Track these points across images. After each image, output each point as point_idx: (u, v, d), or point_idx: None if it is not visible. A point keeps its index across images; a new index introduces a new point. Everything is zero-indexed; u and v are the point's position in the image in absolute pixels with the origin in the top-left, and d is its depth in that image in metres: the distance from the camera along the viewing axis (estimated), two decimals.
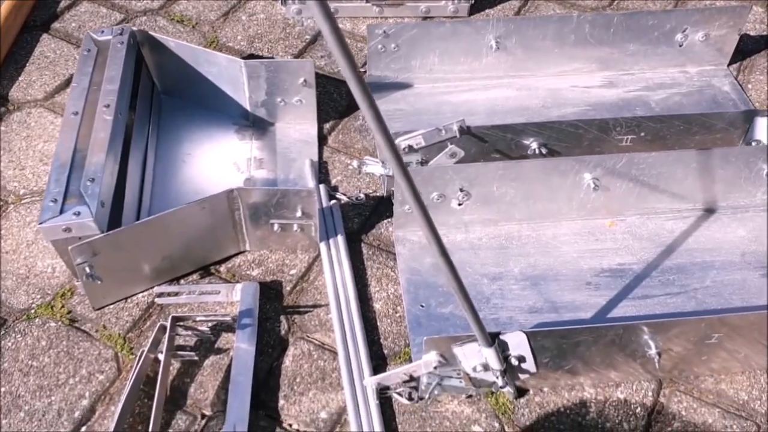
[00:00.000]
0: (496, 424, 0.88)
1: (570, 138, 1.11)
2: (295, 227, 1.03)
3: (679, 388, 0.92)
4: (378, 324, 0.98)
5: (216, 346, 0.95)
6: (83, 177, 0.92)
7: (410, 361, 0.94)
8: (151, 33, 1.19)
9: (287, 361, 0.94)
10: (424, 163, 1.09)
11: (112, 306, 0.99)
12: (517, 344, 0.85)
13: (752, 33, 1.46)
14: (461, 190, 1.04)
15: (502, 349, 0.84)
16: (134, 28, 1.18)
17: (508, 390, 0.89)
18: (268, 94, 1.20)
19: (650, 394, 0.91)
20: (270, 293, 1.02)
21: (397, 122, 1.27)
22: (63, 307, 0.98)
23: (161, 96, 1.28)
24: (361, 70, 1.36)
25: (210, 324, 0.96)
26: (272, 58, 1.38)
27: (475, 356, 0.84)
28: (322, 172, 1.19)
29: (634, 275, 1.03)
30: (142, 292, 1.00)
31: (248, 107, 1.22)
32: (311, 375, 0.93)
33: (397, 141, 1.07)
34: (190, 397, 0.90)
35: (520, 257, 1.06)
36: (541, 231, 1.09)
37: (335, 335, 0.96)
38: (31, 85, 1.31)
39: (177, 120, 1.26)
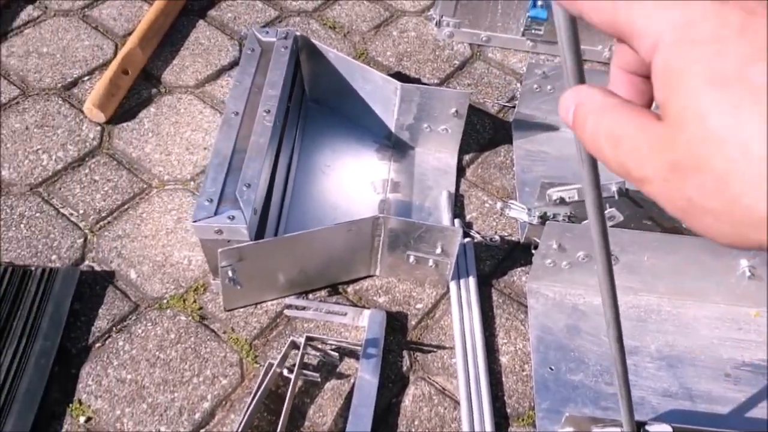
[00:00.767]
0: None
1: None
2: (431, 262, 1.01)
3: None
4: (503, 379, 0.95)
5: (338, 370, 0.94)
6: (240, 181, 0.92)
7: (534, 426, 0.90)
8: (313, 41, 1.19)
9: (407, 400, 0.92)
10: (572, 217, 1.06)
11: (241, 309, 0.99)
12: None
13: None
14: None
15: None
16: (297, 33, 1.18)
17: None
18: (416, 119, 1.19)
19: None
20: (395, 324, 1.00)
21: (541, 165, 1.24)
22: (195, 302, 0.99)
23: (308, 103, 1.29)
24: (510, 104, 1.33)
25: (340, 349, 0.95)
26: (419, 80, 1.37)
27: None
28: (457, 205, 1.17)
29: None
30: (272, 300, 1.00)
31: (393, 128, 1.21)
32: (430, 420, 0.91)
33: (549, 191, 1.04)
34: (308, 419, 0.89)
35: (658, 333, 1.01)
36: (682, 309, 1.04)
37: (459, 383, 0.93)
38: (183, 71, 1.33)
39: (321, 129, 1.25)
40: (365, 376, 0.92)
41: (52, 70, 1.30)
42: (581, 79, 0.35)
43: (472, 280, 1.05)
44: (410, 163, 1.22)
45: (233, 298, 0.97)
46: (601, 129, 0.27)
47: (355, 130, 1.25)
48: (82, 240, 1.05)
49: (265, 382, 0.87)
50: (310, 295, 1.02)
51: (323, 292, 1.03)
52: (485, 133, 1.29)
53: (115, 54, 1.34)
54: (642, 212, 1.06)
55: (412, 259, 1.01)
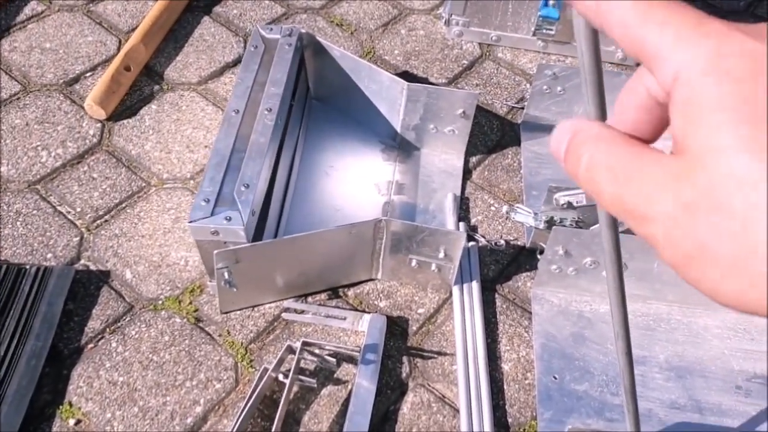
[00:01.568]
0: None
1: None
2: (433, 266, 0.98)
3: None
4: (505, 388, 0.92)
5: (336, 375, 0.92)
6: (238, 181, 0.90)
7: None
8: (318, 38, 1.16)
9: (405, 408, 0.90)
10: (579, 222, 1.03)
11: (238, 312, 0.97)
12: None
13: None
14: None
15: None
16: (303, 30, 1.16)
17: None
18: (422, 119, 1.16)
19: None
20: (395, 329, 0.97)
21: (548, 168, 1.21)
22: (191, 303, 0.97)
23: (312, 101, 1.26)
24: (519, 105, 1.30)
25: (337, 354, 0.92)
26: (427, 79, 1.34)
27: None
28: (462, 208, 1.14)
29: None
30: (270, 303, 0.98)
31: (398, 129, 1.18)
32: (428, 429, 0.88)
33: (556, 195, 1.01)
34: (303, 425, 0.87)
35: (667, 343, 0.98)
36: (692, 318, 1.01)
37: (459, 391, 0.91)
38: (187, 67, 1.32)
39: (325, 128, 1.23)
40: (363, 382, 0.89)
41: (55, 65, 1.28)
42: (601, 101, 0.33)
43: (475, 285, 1.02)
44: (415, 165, 1.19)
45: (229, 300, 0.94)
46: (601, 160, 0.25)
47: (360, 130, 1.22)
48: (78, 238, 1.03)
49: (259, 387, 0.85)
50: (309, 299, 1.00)
51: (323, 296, 1.00)
52: (493, 134, 1.27)
53: (119, 50, 1.32)
54: None
55: (414, 262, 0.98)
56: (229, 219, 0.86)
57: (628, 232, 0.98)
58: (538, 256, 1.03)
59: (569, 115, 1.25)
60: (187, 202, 1.09)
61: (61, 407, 0.86)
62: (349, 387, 0.90)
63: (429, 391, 0.92)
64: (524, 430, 0.89)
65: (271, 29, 1.14)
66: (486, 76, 1.37)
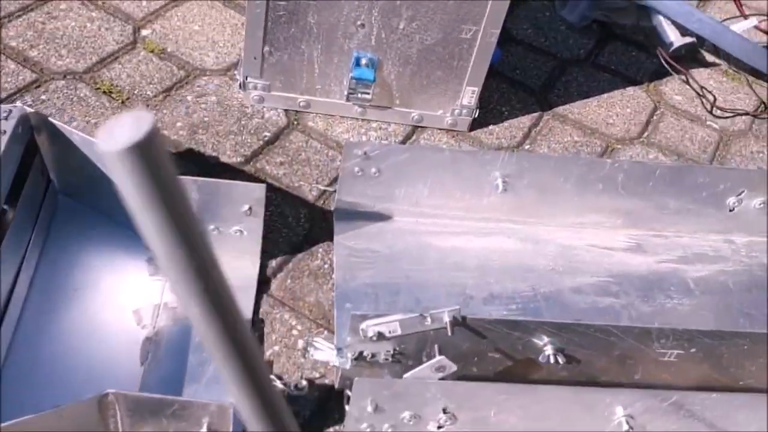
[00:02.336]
0: None
1: (597, 345, 0.81)
2: None
3: None
4: None
5: None
6: None
7: None
8: (51, 120, 0.87)
9: None
10: (397, 355, 0.79)
11: None
12: None
13: None
14: (445, 412, 0.73)
15: None
16: (29, 110, 0.87)
17: None
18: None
19: None
20: None
21: (367, 269, 0.97)
22: None
23: (59, 196, 0.96)
24: (331, 189, 1.06)
25: None
26: (217, 158, 1.07)
27: None
28: (255, 334, 0.87)
29: None
30: None
31: None
32: None
33: (364, 324, 0.76)
34: None
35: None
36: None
37: None
38: None
39: (72, 233, 0.94)
40: None
41: None
42: None
43: None
44: None
45: None
46: None
47: (120, 234, 0.93)
48: None
49: None
50: None
51: None
52: (299, 227, 1.01)
53: None
54: (487, 344, 0.80)
55: None
56: None
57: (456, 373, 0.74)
58: (346, 406, 0.78)
59: (389, 201, 1.02)
60: None
61: None
62: None
63: None
64: None
65: None
66: (293, 151, 1.12)
